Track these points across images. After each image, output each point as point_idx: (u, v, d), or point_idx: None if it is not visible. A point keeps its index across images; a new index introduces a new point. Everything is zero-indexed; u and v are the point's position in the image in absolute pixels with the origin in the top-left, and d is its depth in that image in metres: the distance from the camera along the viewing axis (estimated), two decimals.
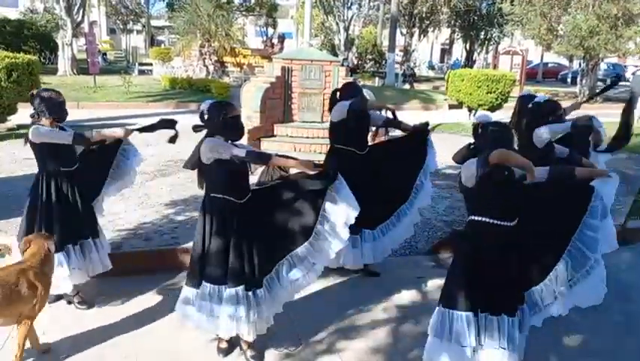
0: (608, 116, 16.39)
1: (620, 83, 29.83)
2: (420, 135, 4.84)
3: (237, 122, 3.53)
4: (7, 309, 3.16)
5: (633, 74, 19.43)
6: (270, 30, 39.05)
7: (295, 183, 3.59)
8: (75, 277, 4.01)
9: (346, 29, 29.29)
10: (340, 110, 4.57)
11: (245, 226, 3.43)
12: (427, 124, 4.87)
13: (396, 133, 5.34)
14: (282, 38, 25.26)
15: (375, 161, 4.76)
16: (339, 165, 4.57)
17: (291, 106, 9.52)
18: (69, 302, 4.19)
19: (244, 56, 22.42)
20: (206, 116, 3.45)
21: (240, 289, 3.38)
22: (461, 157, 3.34)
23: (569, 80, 30.97)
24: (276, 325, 3.66)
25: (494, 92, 13.15)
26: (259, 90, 9.23)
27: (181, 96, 17.18)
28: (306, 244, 3.55)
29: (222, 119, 3.41)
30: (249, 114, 9.39)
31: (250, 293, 3.41)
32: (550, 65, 36.31)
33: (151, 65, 25.59)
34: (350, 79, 10.29)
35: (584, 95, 21.53)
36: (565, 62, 31.64)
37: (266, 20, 37.50)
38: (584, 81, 21.66)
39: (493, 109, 13.64)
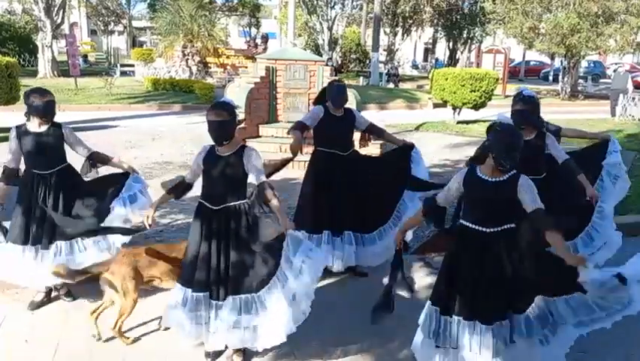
0: (589, 113, 16.60)
1: (601, 80, 30.28)
2: (404, 153, 4.84)
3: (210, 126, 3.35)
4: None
5: (614, 71, 19.64)
6: (254, 30, 38.93)
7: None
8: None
9: (330, 29, 29.28)
10: (312, 118, 4.61)
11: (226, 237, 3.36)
12: (412, 145, 4.89)
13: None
14: (265, 38, 25.16)
15: (358, 164, 4.74)
16: (321, 167, 4.62)
17: (276, 106, 9.47)
18: (52, 294, 4.20)
19: (227, 57, 22.29)
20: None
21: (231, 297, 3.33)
22: (475, 157, 3.38)
23: (550, 77, 31.30)
24: None
25: (478, 90, 13.20)
26: (243, 91, 9.17)
27: (164, 97, 17.01)
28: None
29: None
30: None
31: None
32: (532, 63, 36.66)
33: (133, 66, 25.33)
34: (335, 78, 10.29)
35: (566, 93, 21.79)
36: (547, 59, 31.93)
37: (249, 20, 37.41)
38: (565, 79, 21.91)
39: (476, 107, 13.70)
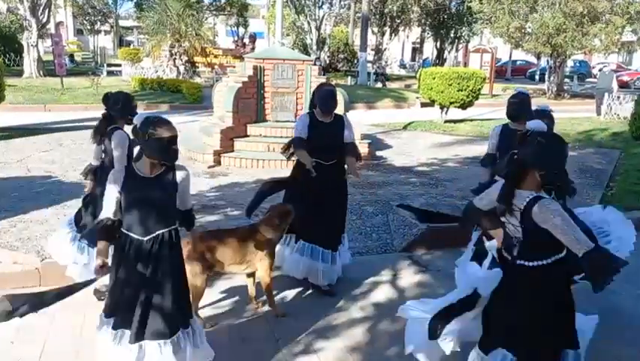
0: (574, 112, 16.74)
1: (587, 80, 30.55)
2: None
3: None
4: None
5: (600, 70, 19.86)
6: (241, 30, 38.81)
7: None
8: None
9: (318, 28, 29.29)
10: (302, 130, 4.39)
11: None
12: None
13: None
14: (253, 38, 25.08)
15: (337, 175, 4.55)
16: (302, 176, 4.40)
17: (264, 106, 9.45)
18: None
19: (215, 56, 22.21)
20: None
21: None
22: (503, 168, 2.78)
23: (537, 77, 31.53)
24: (252, 325, 3.58)
25: (465, 89, 13.28)
26: (231, 90, 9.14)
27: (151, 97, 16.92)
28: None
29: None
30: (222, 114, 9.29)
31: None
32: (518, 62, 36.92)
33: (120, 65, 25.14)
34: (323, 78, 10.28)
35: (552, 92, 21.97)
36: (533, 59, 32.17)
37: (237, 20, 37.29)
38: (551, 78, 22.09)
39: (464, 106, 13.78)
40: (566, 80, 25.69)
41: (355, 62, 29.36)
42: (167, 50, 21.23)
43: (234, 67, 13.71)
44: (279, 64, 9.41)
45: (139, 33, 37.75)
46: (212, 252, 3.90)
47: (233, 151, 8.96)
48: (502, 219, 2.76)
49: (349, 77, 26.27)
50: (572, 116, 15.12)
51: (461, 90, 13.24)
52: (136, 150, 3.04)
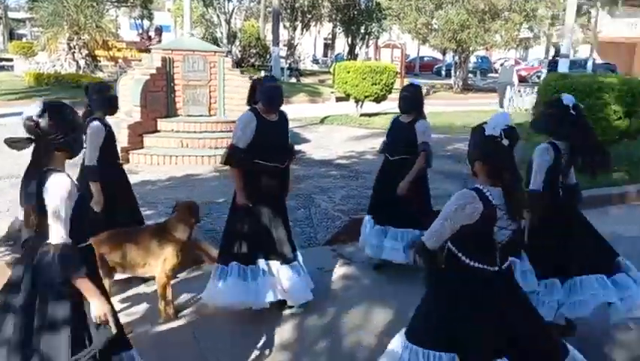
0: (480, 105, 17.46)
1: (488, 75, 32.21)
2: None
3: None
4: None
5: (502, 65, 20.93)
6: (146, 23, 37.12)
7: None
8: None
9: (228, 22, 28.62)
10: (245, 133, 3.76)
11: None
12: None
13: None
14: (159, 31, 24.02)
15: (286, 178, 4.08)
16: (261, 183, 3.85)
17: (175, 99, 8.95)
18: None
19: (119, 50, 21.01)
20: None
21: None
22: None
23: (443, 72, 32.82)
24: (172, 331, 3.27)
25: (379, 83, 13.42)
26: (138, 83, 8.56)
27: (49, 93, 15.63)
28: None
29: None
30: (129, 109, 8.68)
31: None
32: (425, 58, 38.28)
33: (11, 60, 23.18)
34: (237, 71, 9.93)
35: (458, 86, 22.90)
36: (439, 55, 33.44)
37: (140, 12, 35.57)
38: (457, 73, 23.03)
39: (378, 100, 13.93)
40: (470, 75, 26.91)
41: (268, 56, 28.99)
42: (65, 43, 19.73)
43: (140, 60, 12.97)
44: (189, 55, 8.94)
45: (32, 25, 34.98)
46: (115, 254, 3.61)
47: (142, 148, 8.39)
48: None
49: (262, 72, 25.87)
50: (478, 109, 15.77)
51: (375, 84, 13.36)
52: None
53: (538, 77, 24.47)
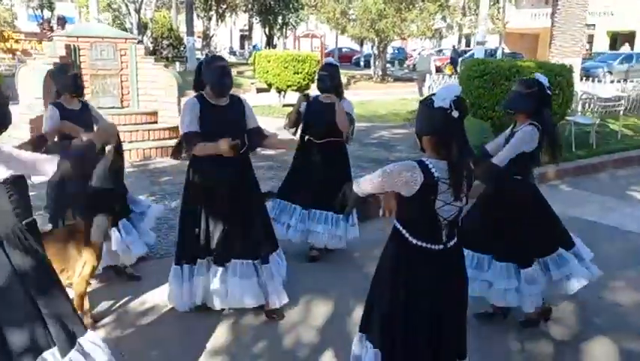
0: (401, 94, 17.72)
1: (405, 65, 32.91)
2: None
3: None
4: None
5: (419, 54, 21.34)
6: (47, 13, 34.65)
7: None
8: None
9: (138, 11, 27.22)
10: (192, 118, 3.35)
11: None
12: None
13: None
14: (62, 21, 22.20)
15: (247, 169, 3.66)
16: (206, 176, 3.43)
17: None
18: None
19: (16, 41, 19.38)
20: None
21: None
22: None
23: (362, 63, 33.14)
24: None
25: (301, 72, 13.15)
26: (39, 74, 7.72)
27: None
28: None
29: None
30: (30, 102, 7.84)
31: None
32: (344, 50, 38.49)
33: None
34: (150, 59, 9.27)
35: (378, 76, 23.13)
36: (357, 46, 33.75)
37: (40, 2, 33.16)
38: (376, 63, 23.26)
39: (301, 89, 13.64)
40: (388, 65, 27.31)
41: (182, 48, 27.94)
42: None
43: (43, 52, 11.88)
44: (97, 43, 8.22)
45: None
46: None
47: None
48: None
49: (177, 64, 24.85)
50: (399, 98, 15.94)
51: (297, 73, 13.08)
52: None
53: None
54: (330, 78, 4.39)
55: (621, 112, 10.12)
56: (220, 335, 3.45)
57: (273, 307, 3.61)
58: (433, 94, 2.33)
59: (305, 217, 4.49)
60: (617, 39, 32.30)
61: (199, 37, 30.96)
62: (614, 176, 7.78)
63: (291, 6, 29.68)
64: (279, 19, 31.23)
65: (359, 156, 7.90)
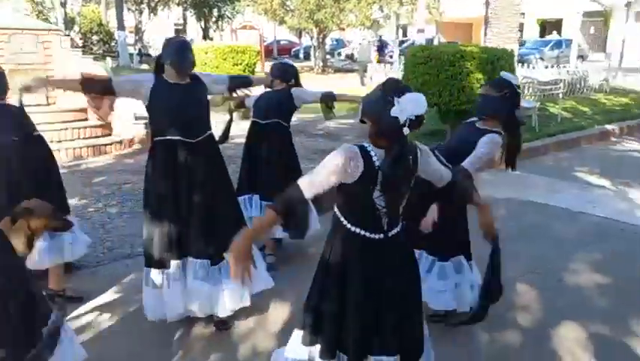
0: (343, 84, 17.63)
1: (343, 53, 32.88)
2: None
3: None
4: None
5: (359, 44, 21.25)
6: None
7: None
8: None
9: (63, 5, 25.74)
10: (136, 82, 3.18)
11: None
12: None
13: None
14: None
15: (209, 157, 3.31)
16: (162, 165, 3.11)
17: None
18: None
19: None
20: None
21: None
22: None
23: (301, 55, 32.83)
24: None
25: (241, 64, 12.74)
26: None
27: None
28: None
29: None
30: None
31: None
32: (282, 42, 37.99)
33: None
34: (78, 51, 8.66)
35: (319, 67, 22.93)
36: (295, 39, 33.42)
37: None
38: (317, 54, 23.04)
39: None
40: (327, 56, 27.17)
41: (113, 43, 26.74)
42: None
43: None
44: (16, 34, 7.54)
45: None
46: None
47: None
48: None
49: (109, 59, 23.73)
50: (342, 87, 15.75)
51: (237, 64, 12.65)
52: None
53: (391, 57, 25.34)
54: (291, 71, 4.21)
55: (560, 95, 10.36)
56: (164, 346, 3.11)
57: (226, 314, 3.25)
58: (400, 89, 2.06)
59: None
60: (545, 27, 33.52)
61: (131, 32, 29.74)
62: (558, 158, 7.89)
63: None
64: (215, 12, 30.43)
65: (307, 147, 7.66)
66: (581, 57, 23.78)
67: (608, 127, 9.47)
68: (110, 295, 3.66)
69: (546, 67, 14.93)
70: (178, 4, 32.68)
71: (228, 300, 3.17)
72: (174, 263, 3.13)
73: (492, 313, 3.45)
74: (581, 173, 7.01)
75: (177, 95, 3.05)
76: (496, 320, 3.45)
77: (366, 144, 2.09)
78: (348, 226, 2.17)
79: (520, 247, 3.39)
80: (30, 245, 2.33)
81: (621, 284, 3.96)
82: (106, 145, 7.48)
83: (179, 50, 3.05)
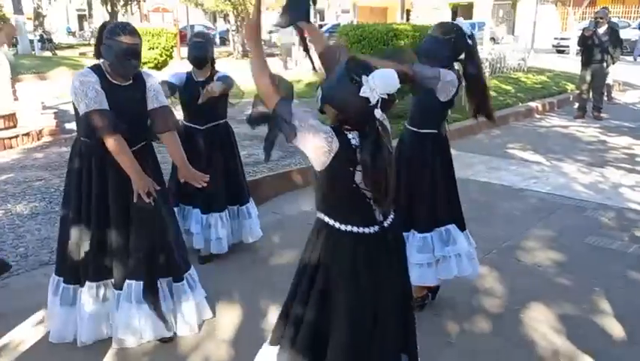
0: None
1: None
2: None
3: None
4: None
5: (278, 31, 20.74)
6: None
7: None
8: None
9: None
10: (89, 88, 2.56)
11: None
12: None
13: None
14: None
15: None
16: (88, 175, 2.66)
17: None
18: None
19: None
20: None
21: None
22: None
23: (217, 41, 31.78)
24: None
25: (157, 47, 11.96)
26: None
27: None
28: None
29: None
30: None
31: None
32: (196, 27, 36.65)
33: None
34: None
35: (239, 52, 22.20)
36: (209, 23, 32.29)
37: None
38: (235, 38, 22.29)
39: (158, 67, 12.45)
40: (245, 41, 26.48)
41: None
42: None
43: None
44: None
45: None
46: None
47: None
48: None
49: (5, 46, 21.73)
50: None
51: (152, 48, 11.87)
52: None
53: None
54: (205, 47, 3.69)
55: (487, 75, 10.52)
56: None
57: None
58: (367, 66, 1.79)
59: (205, 222, 3.78)
60: (457, 11, 34.60)
61: (29, 18, 27.43)
62: (490, 136, 7.96)
63: None
64: None
65: (238, 133, 7.18)
66: (493, 39, 24.65)
67: (532, 104, 9.73)
68: (26, 311, 3.11)
69: None
70: None
71: (188, 315, 2.83)
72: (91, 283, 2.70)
73: (458, 300, 3.35)
74: (514, 150, 7.08)
75: (117, 98, 2.57)
76: (463, 306, 3.29)
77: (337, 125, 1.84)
78: (337, 225, 1.89)
79: (472, 228, 3.21)
80: None
81: (575, 259, 3.93)
82: (11, 138, 6.62)
83: (122, 56, 2.52)
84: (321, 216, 1.95)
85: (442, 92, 2.81)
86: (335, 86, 1.81)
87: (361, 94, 1.74)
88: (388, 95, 1.77)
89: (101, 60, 2.61)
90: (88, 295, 2.69)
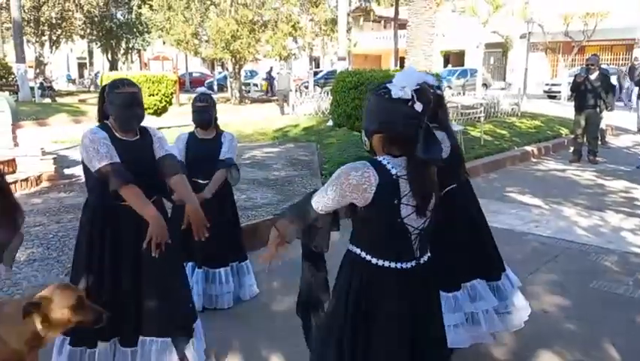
0: (263, 114, 17.33)
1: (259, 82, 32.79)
2: None
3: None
4: None
5: (278, 73, 21.09)
6: None
7: None
8: None
9: None
10: (100, 144, 2.61)
11: None
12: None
13: None
14: None
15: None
16: (107, 228, 2.63)
17: None
18: None
19: None
20: None
21: None
22: None
23: (215, 87, 32.28)
24: None
25: (157, 94, 12.10)
26: None
27: None
28: None
29: None
30: None
31: None
32: (194, 74, 37.28)
33: None
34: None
35: (236, 98, 22.53)
36: (207, 71, 32.83)
37: None
38: (233, 85, 22.66)
39: (158, 113, 12.57)
40: (243, 87, 26.89)
41: (12, 77, 24.93)
42: None
43: None
44: None
45: None
46: None
47: None
48: None
49: (7, 93, 22.00)
50: (262, 116, 15.54)
51: (153, 95, 12.01)
52: None
53: (306, 87, 25.49)
54: (210, 109, 3.78)
55: (482, 119, 10.66)
56: None
57: None
58: (389, 81, 1.82)
59: (203, 279, 3.75)
60: (449, 57, 35.40)
61: (30, 66, 27.95)
62: (488, 179, 7.99)
63: (135, 30, 27.94)
64: (123, 44, 29.26)
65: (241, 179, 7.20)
66: (485, 85, 25.14)
67: (528, 148, 9.82)
68: None
69: (453, 94, 15.50)
70: (82, 37, 31.14)
71: None
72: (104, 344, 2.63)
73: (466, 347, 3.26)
74: (513, 193, 7.09)
75: (125, 154, 2.56)
76: (470, 354, 3.21)
77: (379, 158, 1.84)
78: (373, 260, 1.86)
79: None
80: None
81: (581, 305, 3.87)
82: (10, 184, 6.60)
83: (126, 105, 2.54)
84: (354, 249, 1.91)
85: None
86: (371, 111, 1.84)
87: (394, 96, 1.75)
88: (420, 85, 1.78)
89: (108, 121, 2.63)
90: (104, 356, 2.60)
